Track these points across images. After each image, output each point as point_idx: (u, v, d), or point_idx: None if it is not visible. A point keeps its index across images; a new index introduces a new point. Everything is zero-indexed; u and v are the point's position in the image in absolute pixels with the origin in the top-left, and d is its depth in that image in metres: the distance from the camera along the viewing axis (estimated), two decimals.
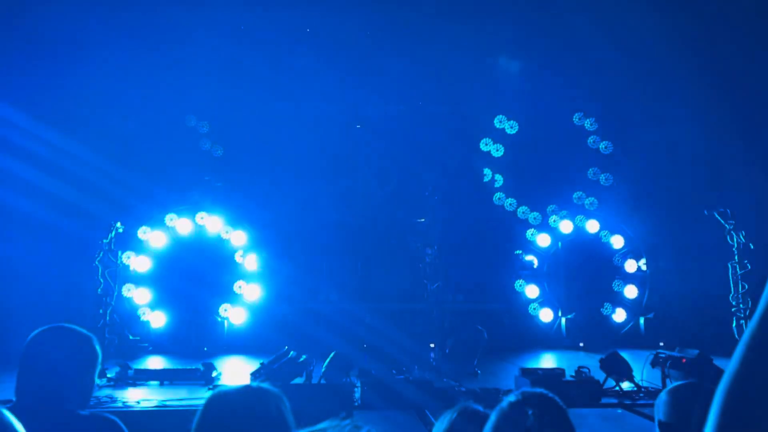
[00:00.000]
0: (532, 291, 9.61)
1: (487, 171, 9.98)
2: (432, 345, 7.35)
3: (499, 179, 10.00)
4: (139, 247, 8.77)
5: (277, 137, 9.68)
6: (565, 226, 9.78)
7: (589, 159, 9.97)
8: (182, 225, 9.00)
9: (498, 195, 9.95)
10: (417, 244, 9.35)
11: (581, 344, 9.04)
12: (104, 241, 7.02)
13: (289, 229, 9.39)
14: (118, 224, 7.12)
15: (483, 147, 9.98)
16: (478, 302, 9.37)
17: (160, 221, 8.93)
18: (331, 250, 9.49)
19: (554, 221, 9.79)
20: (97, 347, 2.47)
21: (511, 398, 1.76)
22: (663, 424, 2.02)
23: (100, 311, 6.74)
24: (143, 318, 8.59)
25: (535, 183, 9.85)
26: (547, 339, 9.20)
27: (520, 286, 9.63)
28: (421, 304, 8.27)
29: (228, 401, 1.99)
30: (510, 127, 10.04)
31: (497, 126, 10.10)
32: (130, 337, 8.05)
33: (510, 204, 9.88)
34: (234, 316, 8.78)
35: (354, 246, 9.53)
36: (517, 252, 9.69)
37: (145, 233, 8.80)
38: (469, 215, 9.65)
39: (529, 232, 9.75)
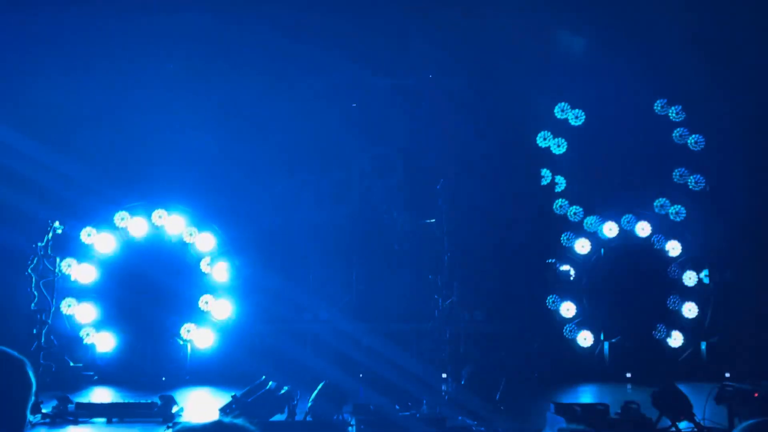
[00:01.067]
0: (568, 309, 9.59)
1: (545, 172, 9.90)
2: (444, 375, 7.39)
3: (561, 182, 9.93)
4: (82, 252, 8.78)
5: (254, 119, 9.74)
6: (609, 229, 9.78)
7: (675, 157, 9.94)
8: (136, 226, 9.02)
9: (560, 202, 9.91)
10: (425, 251, 9.37)
11: (628, 375, 9.05)
12: (39, 245, 7.05)
13: (267, 231, 9.43)
14: (57, 224, 7.15)
15: (540, 142, 9.94)
16: (502, 322, 9.37)
17: (109, 221, 8.93)
18: (319, 258, 9.52)
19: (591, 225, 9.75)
20: (31, 374, 2.47)
21: None
22: None
23: (34, 331, 6.79)
24: (87, 340, 8.60)
25: (604, 188, 9.88)
26: (587, 368, 9.20)
27: (554, 303, 9.61)
28: (430, 323, 8.24)
29: None
30: (575, 117, 10.02)
31: (558, 116, 10.03)
32: (71, 364, 8.04)
33: (575, 214, 9.84)
34: (199, 338, 8.80)
35: (348, 252, 9.57)
36: (550, 261, 9.67)
37: (89, 236, 8.80)
38: (494, 215, 9.67)
39: (565, 236, 9.73)
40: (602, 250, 9.78)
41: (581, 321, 9.59)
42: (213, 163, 9.50)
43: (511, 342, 8.62)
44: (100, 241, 8.86)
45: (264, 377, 5.76)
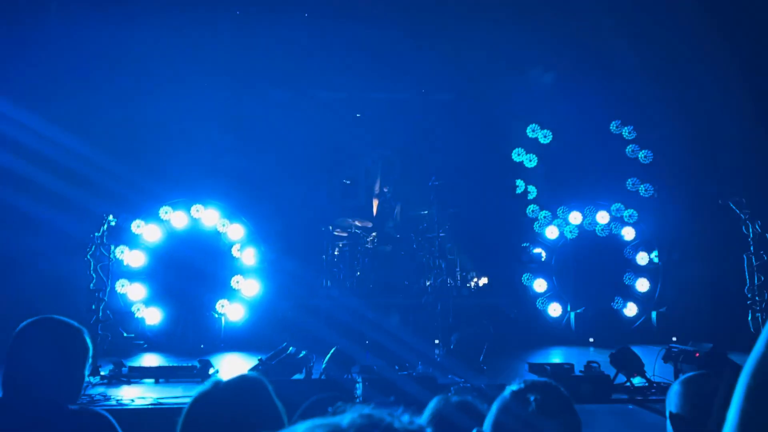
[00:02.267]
0: (540, 285, 9.60)
1: (519, 182, 10.02)
2: (436, 341, 7.35)
3: (533, 191, 10.04)
4: (132, 241, 8.80)
5: (276, 128, 9.77)
6: (574, 218, 9.78)
7: (628, 169, 10.00)
8: (177, 218, 9.03)
9: (531, 207, 9.98)
10: (419, 238, 9.41)
11: (591, 339, 9.04)
12: (96, 234, 7.02)
13: (287, 222, 9.43)
14: (110, 217, 7.12)
15: (515, 157, 10.06)
16: (484, 297, 9.41)
17: (155, 214, 8.96)
18: (331, 243, 9.53)
19: (563, 212, 9.82)
20: (88, 340, 2.46)
21: (514, 386, 1.75)
22: (675, 416, 2.00)
23: (93, 307, 6.75)
24: (137, 315, 8.61)
25: (568, 195, 9.94)
26: (556, 334, 9.18)
27: (528, 280, 9.63)
28: (424, 298, 8.31)
29: (219, 389, 1.99)
30: (544, 137, 10.11)
31: (530, 135, 10.15)
32: (124, 334, 8.06)
33: (544, 218, 9.91)
34: (231, 312, 8.81)
35: (356, 238, 9.56)
36: (525, 245, 9.67)
37: (138, 227, 8.83)
38: (478, 212, 9.75)
39: (537, 224, 9.73)
40: (568, 236, 9.79)
41: (551, 295, 9.61)
42: (242, 165, 9.49)
43: (492, 313, 8.52)
44: (148, 231, 8.89)
45: (285, 344, 5.75)
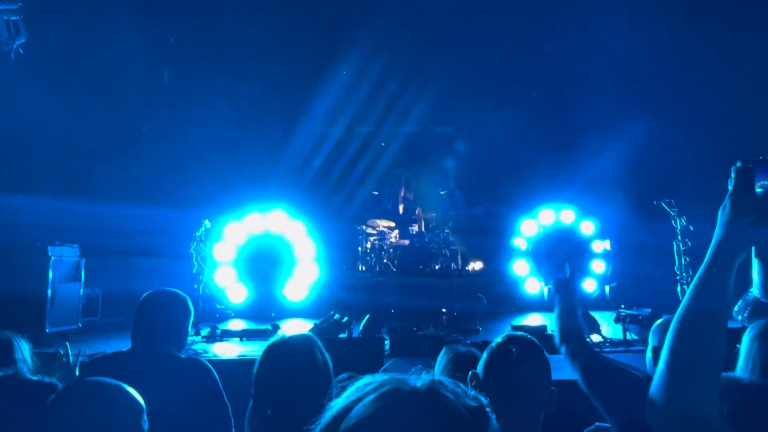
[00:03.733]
0: (521, 268, 9.50)
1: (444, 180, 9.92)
2: (443, 310, 7.36)
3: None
4: (224, 238, 8.86)
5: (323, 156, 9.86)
6: (547, 216, 9.65)
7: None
8: (256, 222, 9.03)
9: (447, 192, 9.73)
10: (430, 233, 9.46)
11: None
12: (196, 234, 7.18)
13: (331, 222, 9.46)
14: (207, 222, 7.26)
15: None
16: (480, 276, 9.41)
17: (240, 218, 8.98)
18: (364, 239, 9.50)
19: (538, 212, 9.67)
20: (190, 305, 2.54)
21: (499, 339, 1.78)
22: (655, 348, 2.04)
23: (195, 287, 6.91)
24: (227, 293, 8.70)
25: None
26: (534, 305, 9.06)
27: (513, 263, 9.53)
28: (435, 279, 8.37)
29: (283, 342, 2.05)
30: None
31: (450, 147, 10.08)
32: (218, 306, 8.18)
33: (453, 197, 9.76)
34: (295, 289, 8.84)
35: (382, 235, 9.55)
36: (512, 239, 9.58)
37: (228, 230, 8.90)
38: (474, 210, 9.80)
39: (520, 221, 9.64)
40: (542, 229, 9.64)
41: (529, 275, 9.48)
42: (305, 180, 9.82)
43: (486, 289, 8.44)
44: (235, 233, 8.95)
45: (332, 312, 5.79)
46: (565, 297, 2.10)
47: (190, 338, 2.93)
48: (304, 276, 8.89)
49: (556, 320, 2.08)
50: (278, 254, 8.95)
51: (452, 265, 9.11)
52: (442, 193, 9.06)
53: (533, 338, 1.78)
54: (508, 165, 9.70)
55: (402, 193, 10.45)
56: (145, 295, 2.49)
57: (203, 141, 8.77)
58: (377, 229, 9.63)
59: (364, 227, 9.55)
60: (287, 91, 9.29)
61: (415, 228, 10.02)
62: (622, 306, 6.60)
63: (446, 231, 9.41)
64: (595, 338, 5.71)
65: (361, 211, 10.22)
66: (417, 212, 10.24)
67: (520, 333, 1.83)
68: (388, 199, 10.60)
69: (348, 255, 9.66)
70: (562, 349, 2.00)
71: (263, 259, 8.84)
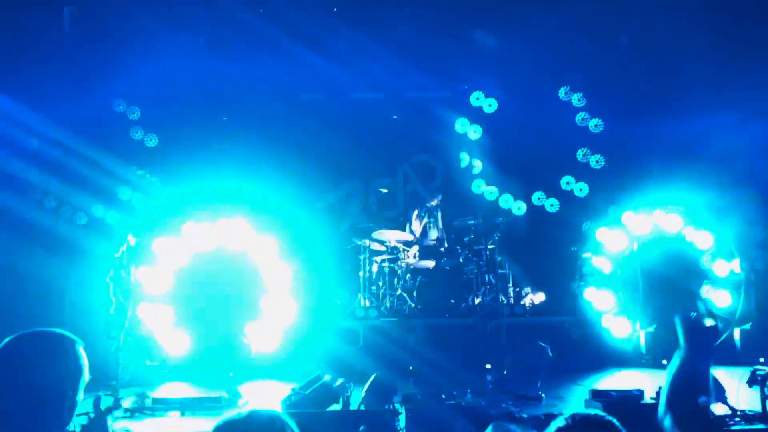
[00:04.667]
0: (603, 300, 9.39)
1: (462, 155, 10.48)
2: (488, 366, 7.21)
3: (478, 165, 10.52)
4: (155, 261, 8.91)
5: (303, 132, 10.20)
6: (642, 224, 9.55)
7: (578, 139, 10.35)
8: (204, 234, 9.10)
9: (477, 182, 10.44)
10: (466, 250, 9.43)
11: (664, 362, 8.77)
12: (116, 255, 7.17)
13: (320, 236, 9.60)
14: (131, 236, 7.26)
15: (458, 129, 10.49)
16: (541, 315, 9.44)
17: (177, 231, 9.05)
18: (368, 260, 9.64)
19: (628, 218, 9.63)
20: (79, 354, 2.34)
21: (560, 422, 1.71)
22: None
23: (113, 334, 6.88)
24: (161, 341, 8.72)
25: (516, 168, 10.42)
26: (623, 356, 9.00)
27: (590, 295, 9.44)
28: (473, 318, 8.37)
29: (242, 423, 2.00)
30: (488, 105, 10.54)
31: (474, 104, 10.59)
32: (148, 362, 8.19)
33: (490, 192, 10.44)
34: (262, 336, 8.84)
35: (394, 254, 9.68)
36: (585, 255, 9.54)
37: (161, 245, 8.93)
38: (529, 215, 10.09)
39: (599, 231, 9.58)
40: (635, 244, 9.55)
41: (617, 311, 9.38)
42: (269, 172, 9.88)
43: (550, 333, 8.53)
44: (172, 250, 8.97)
45: (320, 371, 5.75)
46: (698, 342, 2.11)
47: (111, 415, 2.84)
48: (277, 316, 8.90)
49: (674, 376, 2.05)
50: (238, 284, 8.99)
51: (500, 297, 9.13)
52: (483, 189, 9.10)
53: (612, 420, 1.74)
54: (579, 146, 9.92)
55: (424, 191, 10.60)
56: (3, 344, 2.33)
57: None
58: (387, 244, 9.73)
59: (367, 242, 9.65)
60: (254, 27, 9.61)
61: (427, 239, 10.11)
62: (762, 360, 6.49)
63: (491, 246, 9.44)
64: (719, 409, 5.62)
65: (364, 219, 10.38)
66: (439, 220, 10.30)
67: (594, 413, 1.77)
68: (403, 200, 10.75)
69: (344, 284, 9.78)
70: (666, 422, 1.96)
71: (215, 292, 8.90)
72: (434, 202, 10.12)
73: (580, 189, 10.30)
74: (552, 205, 10.43)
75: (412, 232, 10.09)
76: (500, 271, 9.49)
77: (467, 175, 10.63)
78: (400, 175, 10.92)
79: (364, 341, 8.41)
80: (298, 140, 10.35)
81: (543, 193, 10.49)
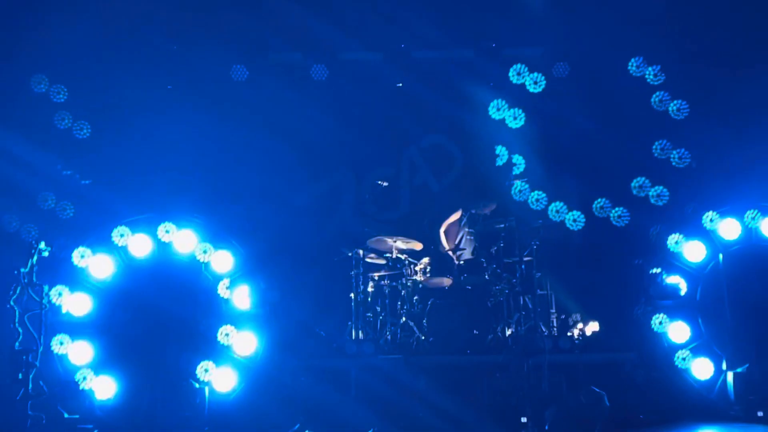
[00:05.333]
0: (678, 331, 9.36)
1: (500, 149, 10.19)
2: (524, 419, 7.33)
3: (519, 162, 10.21)
4: (74, 278, 8.84)
5: (277, 109, 10.30)
6: (729, 229, 9.51)
7: (655, 127, 10.13)
8: (138, 243, 9.07)
9: (518, 186, 10.11)
10: (494, 264, 9.46)
11: (760, 414, 8.63)
12: (22, 270, 7.12)
13: (297, 246, 9.79)
14: (42, 245, 7.21)
15: (494, 113, 10.24)
16: (594, 351, 9.46)
17: (105, 239, 9.00)
18: (362, 277, 9.69)
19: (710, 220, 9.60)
20: None
21: None
22: None
23: (20, 376, 6.83)
24: (83, 386, 8.61)
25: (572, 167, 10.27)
26: (705, 406, 8.97)
27: (660, 324, 9.39)
28: (504, 355, 8.40)
29: None
30: (534, 83, 10.23)
31: (514, 81, 10.28)
32: (65, 415, 8.10)
33: (537, 200, 10.13)
34: (219, 379, 8.79)
35: (398, 268, 9.77)
36: (654, 271, 9.51)
37: (83, 257, 8.86)
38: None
39: (672, 238, 9.55)
40: (720, 256, 9.48)
41: (697, 346, 9.29)
42: (230, 166, 10.00)
43: (606, 375, 8.71)
44: (96, 264, 8.92)
45: (298, 426, 5.73)
46: None
47: None
48: (239, 351, 8.89)
49: None
50: (187, 309, 8.99)
51: (540, 327, 9.14)
52: (525, 194, 9.10)
53: None
54: (655, 138, 9.88)
55: (438, 184, 10.74)
56: None
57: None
58: (388, 255, 9.82)
59: (361, 253, 9.71)
60: None
61: (465, 252, 10.11)
62: (760, 414, 6.57)
63: (527, 259, 9.43)
64: None
65: (357, 221, 10.52)
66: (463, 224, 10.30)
67: None
68: (409, 197, 10.90)
69: (329, 309, 9.89)
70: None
71: (156, 319, 8.89)
72: (488, 210, 10.16)
73: (658, 194, 10.02)
74: (620, 217, 10.23)
75: (435, 238, 10.21)
76: (540, 291, 9.48)
77: (503, 175, 10.36)
78: (405, 163, 11.00)
79: (356, 386, 8.43)
80: (267, 117, 10.41)
81: (607, 201, 10.28)
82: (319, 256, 10.08)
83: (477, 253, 10.06)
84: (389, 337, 9.36)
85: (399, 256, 9.79)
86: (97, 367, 8.75)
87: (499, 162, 10.24)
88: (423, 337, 9.32)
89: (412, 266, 9.84)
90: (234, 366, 8.88)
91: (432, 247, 10.17)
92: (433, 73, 10.79)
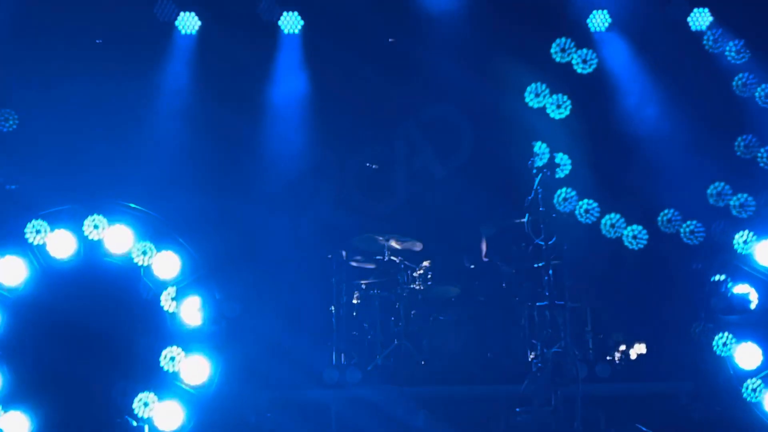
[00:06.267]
0: (748, 355, 9.27)
1: (539, 145, 10.09)
2: None
3: (565, 162, 10.21)
4: None
5: (234, 73, 10.47)
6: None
7: (737, 118, 10.14)
8: (59, 242, 8.95)
9: (562, 192, 10.11)
10: (513, 269, 9.62)
11: None
12: None
13: (261, 247, 9.84)
14: None
15: (531, 101, 10.35)
16: (641, 379, 9.58)
17: (16, 236, 8.88)
18: (344, 287, 9.76)
19: None
20: None
21: None
22: None
23: None
24: None
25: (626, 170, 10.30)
26: None
27: (725, 345, 9.29)
28: (527, 384, 8.38)
29: None
30: (583, 62, 10.37)
31: (558, 59, 10.35)
32: None
33: (586, 212, 10.20)
34: (162, 415, 8.70)
35: (390, 274, 9.81)
36: (717, 278, 9.47)
37: None
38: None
39: (740, 237, 9.48)
40: None
41: None
42: (177, 145, 10.16)
43: (657, 409, 8.87)
44: (4, 268, 8.82)
45: None
46: None
47: None
48: (188, 379, 8.77)
49: None
50: (119, 328, 8.89)
51: (572, 349, 9.01)
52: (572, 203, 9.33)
53: None
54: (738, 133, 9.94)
55: (441, 166, 10.72)
56: None
57: None
58: (379, 258, 9.94)
59: (344, 255, 9.86)
60: None
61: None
62: None
63: (554, 263, 9.21)
64: None
65: (340, 214, 10.50)
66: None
67: None
68: (405, 183, 10.88)
69: (304, 326, 9.88)
70: None
71: (81, 341, 8.79)
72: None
73: (740, 204, 10.03)
74: (693, 233, 10.22)
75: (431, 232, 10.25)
76: (572, 304, 9.31)
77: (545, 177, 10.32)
78: (400, 142, 10.95)
79: (338, 424, 8.48)
80: (224, 83, 10.43)
81: (677, 212, 10.30)
82: (291, 259, 10.16)
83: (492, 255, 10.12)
84: (380, 362, 9.40)
85: (393, 258, 9.84)
86: (6, 400, 8.64)
87: (539, 162, 10.03)
88: (423, 362, 9.41)
89: (409, 272, 9.89)
90: (181, 399, 8.80)
91: (436, 246, 10.25)
92: (436, 31, 10.78)
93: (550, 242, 9.03)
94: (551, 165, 9.79)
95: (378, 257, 9.86)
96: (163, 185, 9.69)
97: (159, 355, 8.76)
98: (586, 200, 10.21)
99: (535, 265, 9.48)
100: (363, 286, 9.81)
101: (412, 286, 9.76)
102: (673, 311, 9.82)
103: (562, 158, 10.26)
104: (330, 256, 9.76)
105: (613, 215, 10.27)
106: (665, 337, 9.88)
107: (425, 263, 9.93)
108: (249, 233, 9.78)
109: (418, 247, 10.07)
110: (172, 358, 8.77)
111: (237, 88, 10.49)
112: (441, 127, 10.92)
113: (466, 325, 9.61)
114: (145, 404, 8.64)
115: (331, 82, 10.72)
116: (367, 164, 10.56)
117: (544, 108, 10.36)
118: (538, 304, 9.35)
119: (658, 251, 10.21)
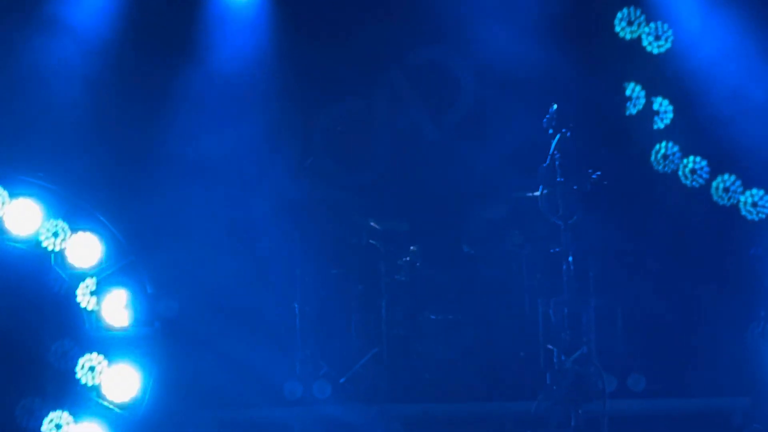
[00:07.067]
0: None
1: (631, 87, 10.36)
2: None
3: (666, 110, 10.35)
4: None
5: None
6: None
7: None
8: None
9: (662, 147, 10.30)
10: (527, 251, 9.58)
11: None
12: None
13: (203, 226, 9.80)
14: None
15: (622, 30, 10.55)
16: (681, 394, 9.55)
17: None
18: (312, 277, 9.62)
19: None
20: None
21: None
22: None
23: None
24: None
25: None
26: None
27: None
28: (541, 399, 8.33)
29: None
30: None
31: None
32: None
33: (692, 172, 10.24)
34: None
35: (366, 262, 9.73)
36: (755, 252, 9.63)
37: None
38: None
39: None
40: None
41: None
42: (95, 102, 10.03)
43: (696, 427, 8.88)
44: None
45: None
46: None
47: None
48: (108, 391, 8.63)
49: None
50: (26, 330, 8.73)
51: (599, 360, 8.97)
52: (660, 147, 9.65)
53: None
54: None
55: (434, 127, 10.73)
56: None
57: None
58: (355, 242, 9.87)
59: (310, 237, 9.67)
60: None
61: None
62: None
63: (569, 257, 9.07)
64: None
65: (305, 185, 10.14)
66: None
67: None
68: (389, 145, 10.80)
69: (260, 327, 9.64)
70: None
71: None
72: None
73: None
74: (755, 205, 10.22)
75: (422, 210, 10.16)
76: (597, 300, 9.43)
77: (640, 126, 10.47)
78: (381, 94, 10.84)
79: None
80: (152, 17, 10.25)
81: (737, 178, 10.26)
82: (241, 244, 10.00)
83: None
84: (355, 373, 9.32)
85: (371, 242, 9.79)
86: None
87: (632, 109, 10.37)
88: (410, 373, 9.39)
89: (392, 259, 9.78)
90: (103, 419, 8.69)
91: (426, 227, 10.18)
92: None
93: (570, 221, 8.91)
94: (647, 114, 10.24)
95: (353, 241, 9.79)
96: (79, 151, 9.65)
97: (75, 363, 8.65)
98: (692, 157, 10.23)
99: (552, 251, 9.38)
100: (335, 276, 9.67)
101: (396, 277, 9.68)
102: (725, 308, 9.75)
103: (661, 104, 10.37)
104: (292, 239, 9.59)
105: (726, 176, 10.26)
106: (714, 342, 9.75)
107: (413, 249, 9.83)
108: (188, 212, 9.70)
109: (403, 228, 10.02)
110: (92, 368, 8.66)
111: (168, 26, 10.36)
112: (433, 74, 10.90)
113: (465, 325, 9.55)
114: (58, 426, 8.56)
115: (293, 17, 10.51)
116: (338, 125, 10.60)
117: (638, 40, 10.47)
118: (554, 299, 9.15)
119: (705, 234, 10.20)
